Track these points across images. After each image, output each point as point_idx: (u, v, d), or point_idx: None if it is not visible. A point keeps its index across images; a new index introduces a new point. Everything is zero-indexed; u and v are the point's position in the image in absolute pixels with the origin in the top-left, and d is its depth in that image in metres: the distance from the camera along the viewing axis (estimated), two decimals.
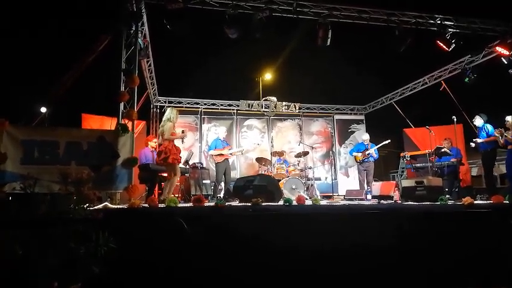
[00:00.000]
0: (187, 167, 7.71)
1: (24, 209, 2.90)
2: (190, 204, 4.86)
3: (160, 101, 11.59)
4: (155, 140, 7.67)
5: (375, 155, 8.82)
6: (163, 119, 5.89)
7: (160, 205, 4.56)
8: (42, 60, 9.65)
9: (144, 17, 6.79)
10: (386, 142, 8.94)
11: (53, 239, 2.78)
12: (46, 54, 9.61)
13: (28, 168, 4.72)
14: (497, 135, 6.67)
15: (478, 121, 7.30)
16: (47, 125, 7.69)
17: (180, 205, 4.64)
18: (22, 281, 2.70)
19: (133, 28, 6.21)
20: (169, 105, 11.63)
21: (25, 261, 2.70)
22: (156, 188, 7.20)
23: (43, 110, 8.82)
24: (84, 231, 2.88)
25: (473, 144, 7.44)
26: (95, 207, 3.77)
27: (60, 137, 5.06)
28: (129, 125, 5.57)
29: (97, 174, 4.97)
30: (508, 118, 6.80)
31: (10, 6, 8.06)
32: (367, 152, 8.75)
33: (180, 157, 5.82)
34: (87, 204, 3.13)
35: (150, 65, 9.20)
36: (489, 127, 7.05)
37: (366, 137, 9.40)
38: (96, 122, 9.42)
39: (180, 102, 11.81)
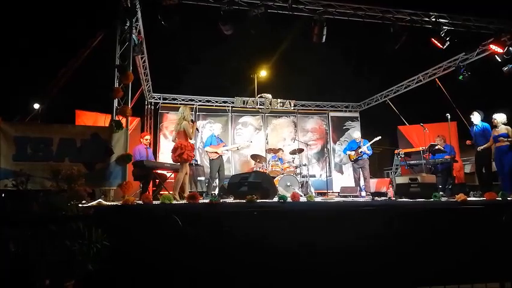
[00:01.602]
0: None
1: (17, 206, 2.87)
2: (185, 201, 4.85)
3: (154, 97, 11.53)
4: (148, 136, 7.65)
5: (368, 152, 8.87)
6: (178, 117, 6.04)
7: (154, 202, 4.54)
8: (35, 57, 9.57)
9: (139, 12, 6.74)
10: (378, 138, 8.99)
11: (47, 236, 2.76)
12: (40, 50, 9.52)
13: (21, 164, 4.68)
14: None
15: (476, 118, 7.32)
16: (40, 122, 7.63)
17: (174, 202, 4.62)
18: (16, 278, 2.68)
19: (128, 24, 6.16)
20: (164, 101, 11.60)
21: (19, 259, 2.68)
22: (151, 185, 7.18)
23: (36, 106, 8.75)
24: (77, 229, 2.86)
25: (469, 142, 7.47)
26: (88, 204, 3.75)
27: (53, 134, 5.02)
28: (123, 121, 5.54)
29: (91, 171, 4.95)
30: (495, 116, 6.88)
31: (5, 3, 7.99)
32: (360, 150, 8.80)
33: (194, 154, 6.07)
34: (80, 201, 3.11)
35: (144, 62, 9.14)
36: (486, 126, 7.10)
37: (357, 135, 9.44)
38: (90, 119, 9.36)
39: (174, 99, 11.76)
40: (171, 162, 7.40)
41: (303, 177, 9.08)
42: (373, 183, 9.39)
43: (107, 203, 4.23)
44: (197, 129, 6.43)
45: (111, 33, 6.22)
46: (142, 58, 8.82)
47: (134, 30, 6.58)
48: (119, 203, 4.21)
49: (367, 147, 8.85)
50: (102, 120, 8.86)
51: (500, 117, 6.84)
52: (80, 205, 3.18)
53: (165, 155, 10.82)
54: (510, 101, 7.79)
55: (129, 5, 6.20)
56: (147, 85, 10.50)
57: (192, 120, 6.15)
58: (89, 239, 2.85)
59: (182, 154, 5.77)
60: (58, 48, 9.01)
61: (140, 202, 4.34)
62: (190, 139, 6.00)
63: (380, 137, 8.99)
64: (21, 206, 2.86)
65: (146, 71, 9.72)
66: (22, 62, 9.35)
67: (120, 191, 5.11)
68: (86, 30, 7.41)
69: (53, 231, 2.77)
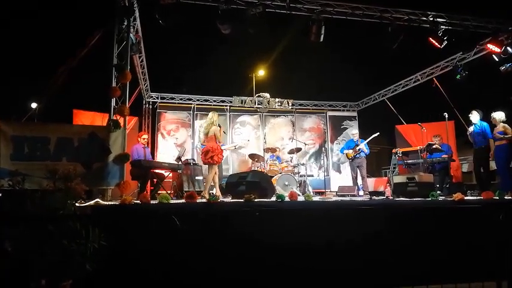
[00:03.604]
0: (180, 163, 7.67)
1: (13, 205, 2.86)
2: (183, 200, 4.84)
3: (152, 96, 11.52)
4: (145, 135, 7.62)
5: (366, 150, 8.86)
6: (207, 122, 6.49)
7: (152, 201, 4.54)
8: (32, 56, 9.54)
9: (136, 11, 6.73)
10: (376, 135, 9.00)
11: (44, 235, 2.75)
12: (37, 49, 9.50)
13: (18, 164, 4.68)
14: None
15: (475, 117, 7.28)
16: (38, 121, 7.61)
17: (172, 201, 4.61)
18: (11, 278, 2.67)
19: (125, 23, 6.15)
20: (162, 101, 11.57)
21: (15, 258, 2.67)
22: (148, 185, 7.16)
23: (33, 105, 8.72)
24: (75, 228, 2.85)
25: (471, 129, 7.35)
26: (86, 204, 3.75)
27: (51, 133, 5.01)
28: (121, 120, 5.54)
29: (88, 171, 4.94)
30: (494, 115, 6.88)
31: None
32: (357, 148, 8.80)
33: (223, 157, 6.53)
34: (77, 200, 3.10)
35: (142, 61, 9.13)
36: (485, 125, 7.07)
37: (355, 131, 9.46)
38: (88, 118, 9.34)
39: (172, 98, 11.75)
40: (169, 161, 7.44)
41: (301, 176, 9.08)
42: (371, 182, 9.40)
43: (105, 203, 4.22)
44: (224, 132, 6.93)
45: (108, 32, 6.20)
46: (140, 57, 8.81)
47: (132, 29, 6.56)
48: (116, 203, 4.20)
49: (365, 144, 8.86)
50: (100, 119, 8.82)
51: (498, 115, 6.83)
52: (77, 204, 3.17)
53: (163, 155, 10.83)
54: (507, 100, 7.82)
55: (127, 4, 6.18)
56: (145, 84, 10.48)
57: (218, 125, 6.52)
58: (86, 239, 2.84)
59: (213, 157, 6.20)
60: (56, 47, 8.99)
61: (138, 202, 4.33)
62: (220, 142, 6.46)
63: (378, 133, 9.01)
64: (17, 205, 2.85)
65: (144, 70, 9.70)
66: (19, 61, 9.32)
67: (118, 190, 5.10)
68: (83, 29, 7.39)
69: (50, 231, 2.76)
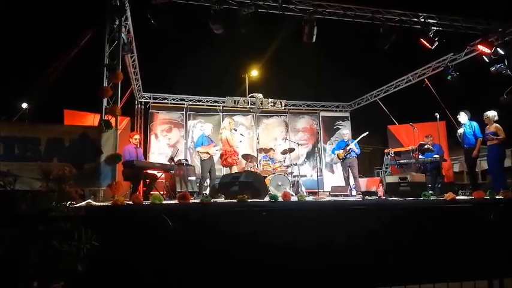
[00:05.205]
0: (173, 164, 7.63)
1: (4, 206, 2.83)
2: (176, 201, 4.82)
3: (144, 96, 11.45)
4: (137, 136, 7.57)
5: (357, 150, 8.89)
6: (221, 127, 7.14)
7: (144, 202, 4.51)
8: (23, 55, 9.44)
9: (128, 11, 6.69)
10: (365, 134, 9.05)
11: (35, 237, 2.72)
12: (27, 49, 9.40)
13: (8, 165, 4.63)
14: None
15: (463, 118, 7.33)
16: (28, 121, 7.52)
17: (165, 202, 4.59)
18: (2, 280, 2.64)
19: (117, 22, 6.10)
20: (154, 101, 11.52)
21: (5, 260, 2.64)
22: (141, 185, 7.12)
23: (24, 105, 8.63)
24: (66, 229, 2.82)
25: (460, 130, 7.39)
26: (78, 205, 3.71)
27: (41, 134, 4.97)
28: (113, 121, 5.49)
29: (80, 171, 4.90)
30: (487, 114, 6.93)
31: None
32: (348, 148, 8.83)
33: (238, 158, 6.93)
34: (70, 202, 3.07)
35: (134, 61, 9.07)
36: (474, 125, 7.12)
37: (346, 131, 9.50)
38: (79, 119, 9.25)
39: (165, 98, 11.69)
40: (162, 162, 7.43)
41: (294, 176, 9.09)
42: (363, 182, 9.46)
43: (97, 204, 4.19)
44: (241, 134, 7.68)
45: (100, 32, 6.15)
46: (132, 57, 8.75)
47: (123, 29, 6.52)
48: (108, 204, 4.17)
49: (355, 144, 8.90)
50: (91, 120, 8.76)
51: (491, 115, 6.87)
52: (70, 206, 3.14)
53: (156, 155, 10.77)
54: (497, 101, 7.91)
55: (118, 3, 6.14)
56: (137, 84, 10.41)
57: (234, 129, 7.05)
58: (78, 240, 2.81)
59: (227, 159, 6.73)
60: (46, 46, 8.91)
61: (130, 202, 4.30)
62: (232, 146, 6.95)
63: (367, 132, 9.05)
64: (8, 206, 2.81)
65: (136, 70, 9.64)
66: (9, 61, 9.22)
67: (110, 191, 5.06)
68: (74, 29, 7.34)
69: (41, 232, 2.73)
